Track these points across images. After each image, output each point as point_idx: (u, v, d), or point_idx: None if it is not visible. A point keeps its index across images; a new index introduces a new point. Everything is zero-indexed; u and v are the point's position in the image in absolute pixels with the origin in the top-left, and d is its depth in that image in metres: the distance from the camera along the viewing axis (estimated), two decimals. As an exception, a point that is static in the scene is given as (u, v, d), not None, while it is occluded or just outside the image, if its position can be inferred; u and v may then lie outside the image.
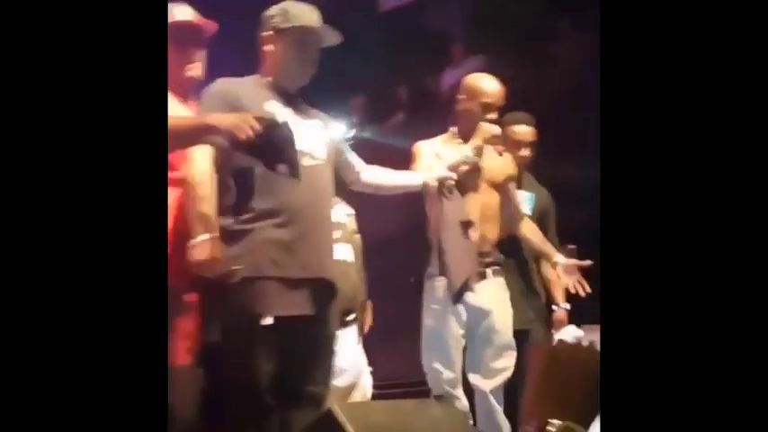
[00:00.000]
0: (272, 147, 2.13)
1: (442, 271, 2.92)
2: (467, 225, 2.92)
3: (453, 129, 3.08)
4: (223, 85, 2.32)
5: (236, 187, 2.24)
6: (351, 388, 3.11)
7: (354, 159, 2.64)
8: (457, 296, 2.88)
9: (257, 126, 2.06)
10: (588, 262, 3.08)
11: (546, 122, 3.51)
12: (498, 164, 3.11)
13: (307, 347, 2.28)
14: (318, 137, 2.42)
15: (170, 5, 2.25)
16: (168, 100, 1.95)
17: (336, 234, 2.70)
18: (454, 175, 2.83)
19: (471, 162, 2.89)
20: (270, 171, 2.18)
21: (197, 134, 2.15)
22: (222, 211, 2.22)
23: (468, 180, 2.95)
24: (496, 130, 2.96)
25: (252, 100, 2.28)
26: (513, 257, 3.29)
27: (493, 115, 3.00)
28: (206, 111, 2.23)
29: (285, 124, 2.18)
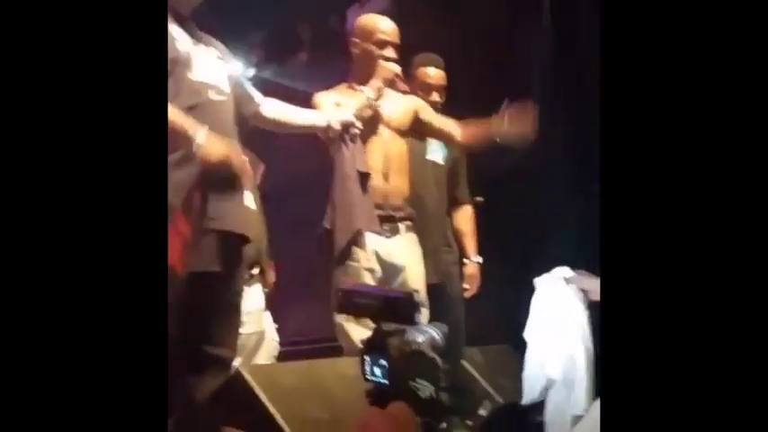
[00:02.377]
0: None
1: (331, 224, 2.75)
2: (364, 177, 2.75)
3: (350, 82, 2.90)
4: None
5: None
6: (256, 348, 2.90)
7: (254, 92, 2.41)
8: (342, 253, 2.71)
9: None
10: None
11: (457, 65, 3.37)
12: (403, 108, 2.94)
13: (212, 307, 2.05)
14: (219, 69, 2.17)
15: None
16: None
17: None
18: (359, 123, 2.67)
19: (374, 106, 2.75)
20: None
21: None
22: None
23: (370, 128, 2.78)
24: (396, 68, 2.80)
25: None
26: (425, 211, 3.15)
27: (390, 53, 2.83)
28: None
29: None
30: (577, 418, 2.55)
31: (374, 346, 1.69)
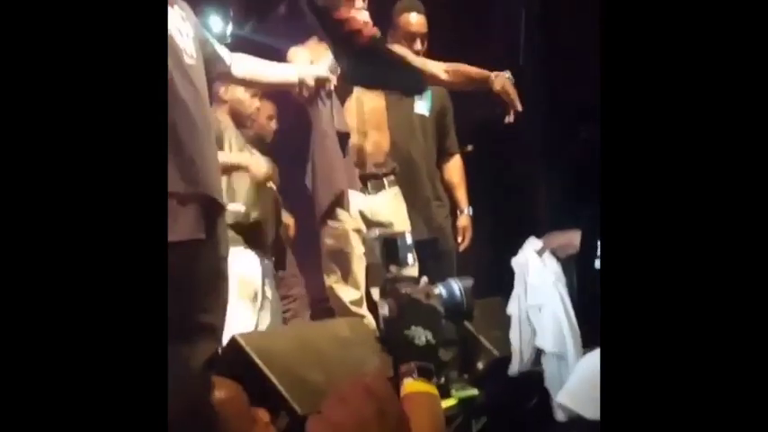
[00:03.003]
0: None
1: (312, 184, 2.69)
2: (344, 137, 2.68)
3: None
4: None
5: None
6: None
7: (222, 51, 2.33)
8: (324, 214, 2.65)
9: None
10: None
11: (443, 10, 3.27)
12: None
13: (200, 275, 1.99)
14: (185, 29, 2.07)
15: None
16: None
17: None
18: (333, 78, 2.57)
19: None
20: None
21: None
22: None
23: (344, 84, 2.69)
24: (365, 15, 2.67)
25: None
26: (413, 165, 3.10)
27: (359, 2, 2.73)
28: None
29: None
30: None
31: (383, 293, 1.67)
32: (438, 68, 2.85)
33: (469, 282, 1.46)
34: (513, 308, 2.71)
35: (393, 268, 2.00)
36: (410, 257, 2.23)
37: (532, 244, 2.62)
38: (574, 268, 2.33)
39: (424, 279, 1.43)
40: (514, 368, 2.73)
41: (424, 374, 1.25)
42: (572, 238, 2.13)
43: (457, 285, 1.44)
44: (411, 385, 1.23)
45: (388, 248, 2.11)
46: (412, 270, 2.74)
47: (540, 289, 2.59)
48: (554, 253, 2.53)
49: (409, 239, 2.11)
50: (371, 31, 2.70)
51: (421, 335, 1.29)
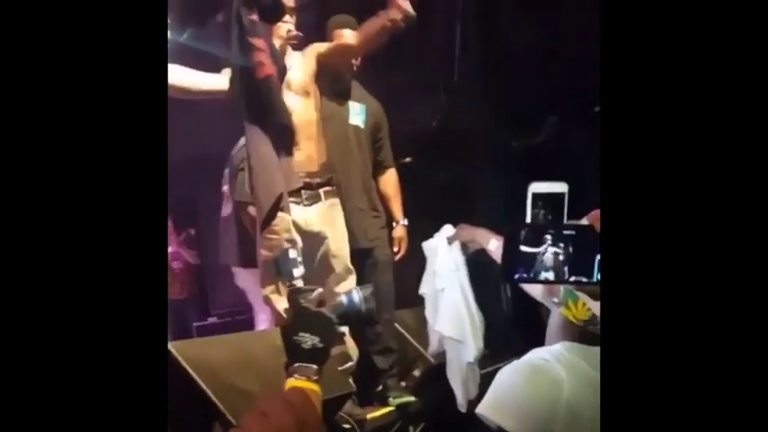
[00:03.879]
0: None
1: (252, 189, 2.70)
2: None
3: None
4: None
5: None
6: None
7: None
8: (266, 218, 2.66)
9: None
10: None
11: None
12: (301, 66, 2.90)
13: None
14: None
15: None
16: None
17: None
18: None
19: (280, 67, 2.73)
20: None
21: None
22: None
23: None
24: (290, 26, 2.81)
25: None
26: (350, 176, 3.12)
27: (288, 17, 2.80)
28: None
29: None
30: (470, 365, 2.70)
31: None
32: (350, 39, 2.95)
33: (368, 289, 1.55)
34: (423, 289, 2.81)
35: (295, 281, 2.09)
36: (295, 272, 2.32)
37: (446, 231, 2.70)
38: (486, 264, 2.39)
39: (319, 289, 1.51)
40: (432, 347, 2.85)
41: (305, 374, 1.38)
42: (479, 235, 2.20)
43: (357, 293, 1.53)
44: (290, 382, 1.38)
45: (275, 263, 2.22)
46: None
47: (441, 274, 2.68)
48: (463, 245, 2.61)
49: (293, 254, 2.20)
50: (269, 70, 2.71)
51: (308, 340, 1.40)
